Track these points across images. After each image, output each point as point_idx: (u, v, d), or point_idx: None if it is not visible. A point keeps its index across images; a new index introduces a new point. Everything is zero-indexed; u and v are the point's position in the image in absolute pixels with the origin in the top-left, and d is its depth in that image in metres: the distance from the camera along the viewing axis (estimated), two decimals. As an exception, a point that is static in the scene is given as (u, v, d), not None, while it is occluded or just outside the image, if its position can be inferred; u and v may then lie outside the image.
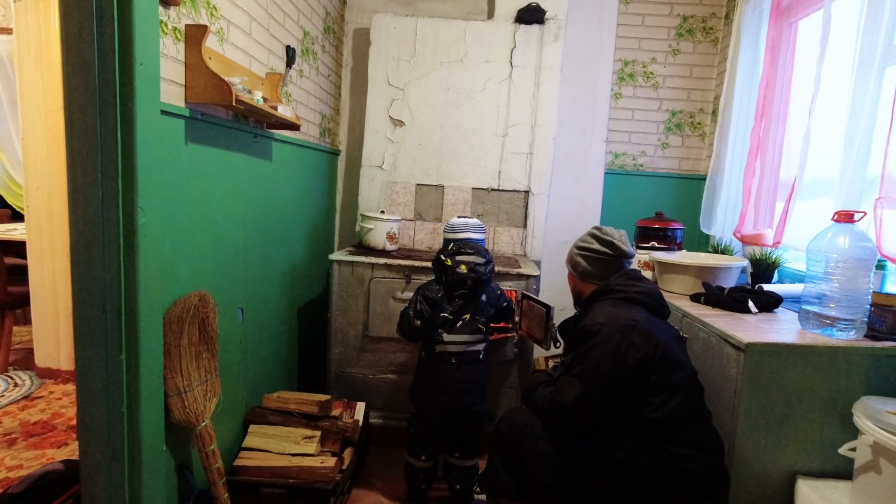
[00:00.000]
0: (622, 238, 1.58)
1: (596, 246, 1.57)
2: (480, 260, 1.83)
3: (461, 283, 1.81)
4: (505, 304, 1.96)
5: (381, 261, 2.23)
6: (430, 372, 1.87)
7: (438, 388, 1.84)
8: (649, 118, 3.04)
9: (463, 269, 1.80)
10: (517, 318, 2.00)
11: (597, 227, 1.62)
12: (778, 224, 2.06)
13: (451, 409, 1.84)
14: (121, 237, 1.22)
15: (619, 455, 1.37)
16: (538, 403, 1.50)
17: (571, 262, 1.65)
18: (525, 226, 2.74)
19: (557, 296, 2.99)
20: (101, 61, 1.17)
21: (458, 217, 2.01)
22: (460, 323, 1.84)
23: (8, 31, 3.42)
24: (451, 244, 1.88)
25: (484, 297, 1.88)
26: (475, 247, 1.86)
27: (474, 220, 1.98)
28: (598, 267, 1.57)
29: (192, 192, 1.51)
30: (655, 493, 1.34)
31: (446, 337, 1.82)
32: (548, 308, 1.82)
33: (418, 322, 1.85)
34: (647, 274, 2.31)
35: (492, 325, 1.97)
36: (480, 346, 1.86)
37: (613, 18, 2.89)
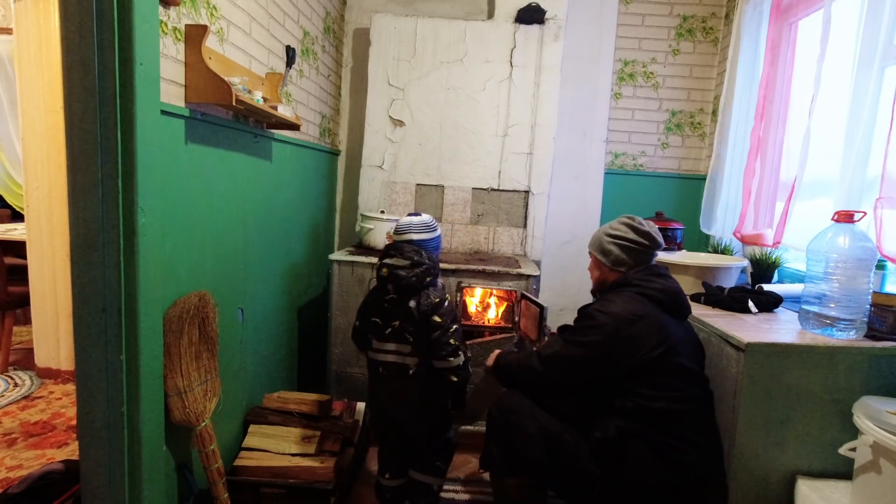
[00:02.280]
0: (654, 230, 1.58)
1: (632, 236, 1.56)
2: (402, 262, 1.61)
3: (383, 286, 1.65)
4: (437, 318, 1.59)
5: (381, 261, 2.22)
6: (368, 379, 1.75)
7: (372, 398, 1.74)
8: (649, 118, 3.04)
9: (384, 271, 1.63)
10: (516, 319, 1.99)
11: (630, 217, 1.61)
12: (778, 224, 2.06)
13: (389, 423, 1.71)
14: (121, 237, 1.22)
15: (611, 431, 1.40)
16: (512, 360, 1.64)
17: (602, 251, 1.61)
18: (525, 226, 2.74)
19: (558, 296, 3.00)
20: (100, 61, 1.17)
21: (408, 215, 1.76)
22: (389, 330, 1.64)
23: (8, 31, 3.42)
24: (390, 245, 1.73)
25: (412, 304, 1.61)
26: (402, 248, 1.65)
27: (420, 219, 1.73)
28: (632, 256, 1.56)
29: (192, 192, 1.51)
30: (641, 474, 1.37)
31: (375, 344, 1.67)
32: (541, 308, 1.82)
33: (357, 322, 1.73)
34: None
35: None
36: (409, 360, 1.62)
37: (613, 18, 2.89)
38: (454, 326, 1.62)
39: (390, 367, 1.65)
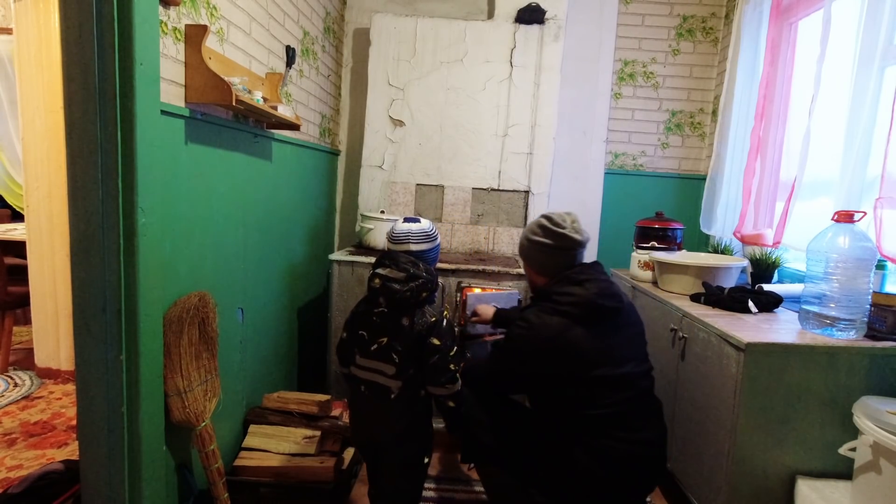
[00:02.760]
0: (574, 226, 1.47)
1: (546, 240, 1.48)
2: (397, 275, 1.45)
3: (374, 298, 1.50)
4: (436, 341, 1.44)
5: (381, 261, 2.23)
6: (349, 396, 1.61)
7: (352, 414, 1.60)
8: (649, 118, 3.04)
9: (376, 282, 1.47)
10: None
11: (546, 217, 1.50)
12: (778, 224, 2.06)
13: (368, 444, 1.58)
14: (121, 237, 1.22)
15: (546, 432, 1.45)
16: (469, 365, 1.65)
17: (525, 256, 1.56)
18: (525, 226, 2.74)
19: (557, 296, 3.00)
20: (101, 61, 1.18)
21: (404, 221, 1.59)
22: (375, 346, 1.48)
23: (8, 31, 3.42)
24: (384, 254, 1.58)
25: (405, 322, 1.46)
26: (397, 258, 1.50)
27: (420, 227, 1.57)
28: (554, 259, 1.48)
29: (192, 192, 1.51)
30: (576, 465, 1.39)
31: (358, 359, 1.52)
32: (463, 303, 1.94)
33: (345, 334, 1.59)
34: (647, 274, 2.31)
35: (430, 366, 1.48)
36: (392, 383, 1.46)
37: (613, 18, 2.89)
38: (455, 349, 1.49)
39: (371, 388, 1.50)
